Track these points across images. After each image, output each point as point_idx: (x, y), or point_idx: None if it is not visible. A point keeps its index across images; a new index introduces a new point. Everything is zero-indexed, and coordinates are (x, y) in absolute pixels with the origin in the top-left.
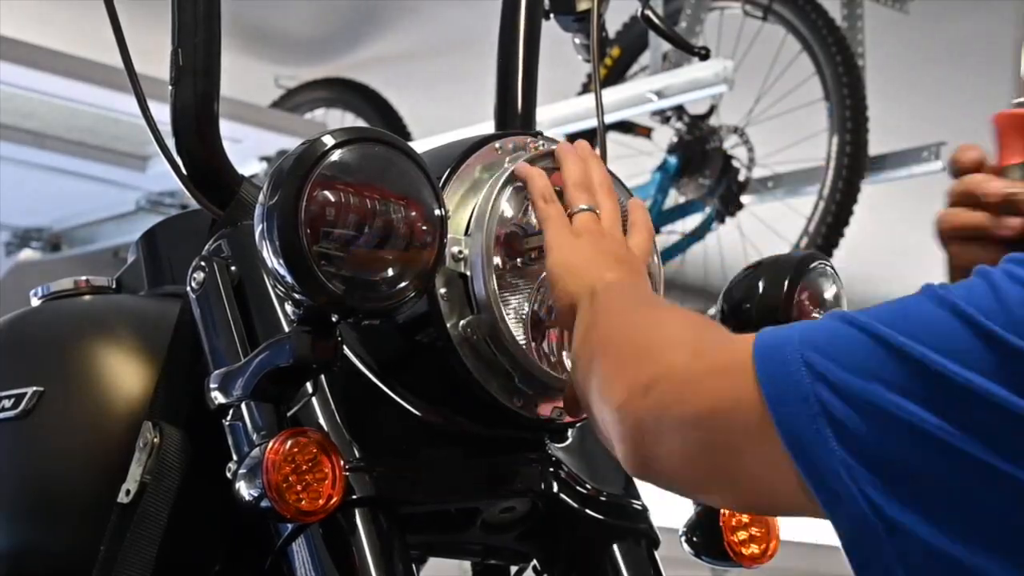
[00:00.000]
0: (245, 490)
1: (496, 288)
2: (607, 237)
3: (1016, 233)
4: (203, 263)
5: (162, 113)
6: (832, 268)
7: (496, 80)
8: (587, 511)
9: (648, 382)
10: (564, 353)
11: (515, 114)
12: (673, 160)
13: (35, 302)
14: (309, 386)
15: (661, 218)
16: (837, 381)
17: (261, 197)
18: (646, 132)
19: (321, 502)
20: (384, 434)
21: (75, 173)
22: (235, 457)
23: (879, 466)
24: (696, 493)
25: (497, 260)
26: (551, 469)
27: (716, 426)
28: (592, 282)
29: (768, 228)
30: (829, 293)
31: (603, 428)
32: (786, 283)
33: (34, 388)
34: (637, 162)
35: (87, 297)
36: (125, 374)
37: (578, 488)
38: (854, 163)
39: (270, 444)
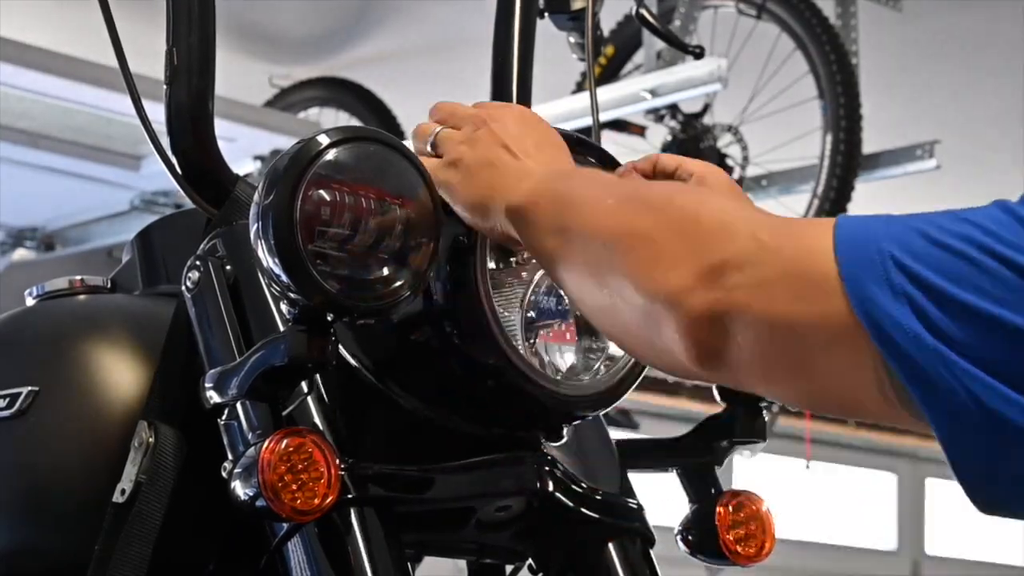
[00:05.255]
0: (240, 489)
1: (490, 288)
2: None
3: None
4: (198, 262)
5: (156, 112)
6: None
7: (491, 79)
8: (582, 510)
9: (715, 267)
10: (556, 353)
11: None
12: None
13: (30, 302)
14: (304, 385)
15: None
16: (926, 280)
17: (256, 196)
18: (640, 131)
19: (316, 501)
20: (380, 433)
21: (69, 172)
22: (230, 456)
23: (980, 361)
24: (765, 389)
25: (491, 261)
26: (546, 468)
27: (796, 324)
28: (540, 170)
29: None
30: None
31: (632, 316)
32: None
33: (29, 388)
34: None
35: (82, 297)
36: (120, 374)
37: (573, 487)
38: (848, 161)
39: (265, 443)
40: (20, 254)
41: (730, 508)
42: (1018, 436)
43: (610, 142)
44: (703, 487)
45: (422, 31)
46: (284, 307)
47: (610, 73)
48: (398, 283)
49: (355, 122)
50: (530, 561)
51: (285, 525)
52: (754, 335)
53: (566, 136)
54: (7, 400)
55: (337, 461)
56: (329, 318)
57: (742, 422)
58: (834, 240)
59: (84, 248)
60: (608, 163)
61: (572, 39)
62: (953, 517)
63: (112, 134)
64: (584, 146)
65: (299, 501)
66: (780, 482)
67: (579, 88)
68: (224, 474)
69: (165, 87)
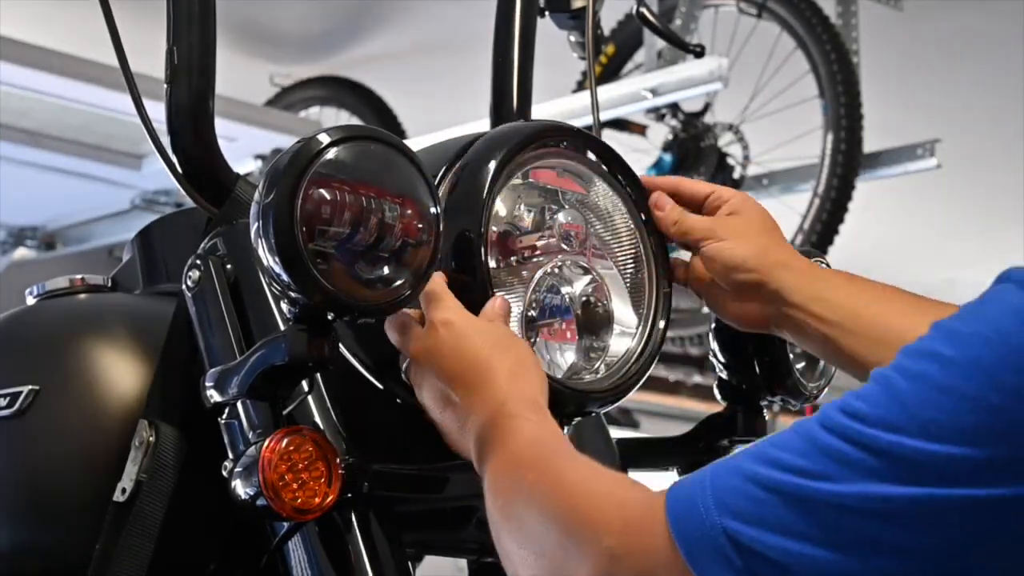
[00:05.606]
0: (241, 488)
1: (491, 287)
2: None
3: None
4: (198, 261)
5: (157, 111)
6: (827, 265)
7: (491, 78)
8: None
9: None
10: (557, 351)
11: (510, 112)
12: (668, 158)
13: (31, 301)
14: (305, 384)
15: None
16: (741, 534)
17: (256, 195)
18: (641, 130)
19: (317, 500)
20: (380, 432)
21: (70, 172)
22: (231, 455)
23: None
24: None
25: (491, 260)
26: None
27: None
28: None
29: None
30: None
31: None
32: None
33: (30, 387)
34: (632, 160)
35: (82, 296)
36: (121, 373)
37: None
38: (849, 160)
39: (266, 442)
40: (21, 253)
41: None
42: None
43: (611, 141)
44: None
45: (422, 30)
46: (284, 306)
47: (611, 72)
48: (398, 283)
49: (356, 121)
50: None
51: (286, 524)
52: None
53: (565, 129)
54: (7, 399)
55: (338, 460)
56: (329, 317)
57: (742, 421)
58: (666, 507)
59: (85, 247)
60: (609, 158)
61: (572, 38)
62: None
63: (113, 133)
64: (584, 138)
65: (300, 500)
66: None
67: (579, 87)
68: (225, 473)
69: (165, 86)
